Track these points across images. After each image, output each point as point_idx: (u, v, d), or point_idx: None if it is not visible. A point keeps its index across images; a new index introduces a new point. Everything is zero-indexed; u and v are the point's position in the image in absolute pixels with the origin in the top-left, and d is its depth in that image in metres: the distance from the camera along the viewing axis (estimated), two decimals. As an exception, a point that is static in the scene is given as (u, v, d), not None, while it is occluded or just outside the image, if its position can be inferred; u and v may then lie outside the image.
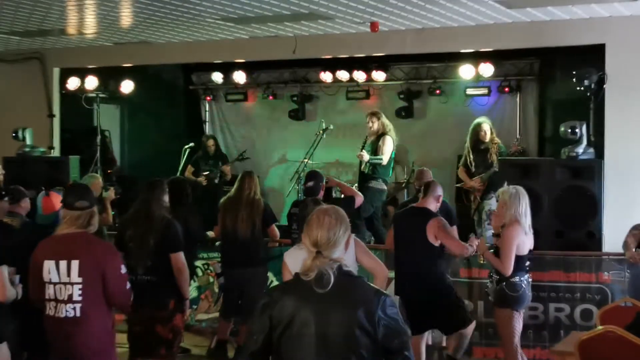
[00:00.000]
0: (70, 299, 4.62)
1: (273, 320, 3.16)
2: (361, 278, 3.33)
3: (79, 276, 4.61)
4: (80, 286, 4.61)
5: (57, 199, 5.89)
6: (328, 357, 3.11)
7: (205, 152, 11.44)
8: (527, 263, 6.32)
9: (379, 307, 3.15)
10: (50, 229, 5.68)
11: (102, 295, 4.69)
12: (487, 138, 9.70)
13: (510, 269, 6.21)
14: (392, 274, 6.74)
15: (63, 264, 4.63)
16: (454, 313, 6.77)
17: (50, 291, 4.66)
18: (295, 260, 4.99)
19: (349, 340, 3.12)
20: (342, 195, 8.05)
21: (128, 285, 4.85)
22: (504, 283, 6.28)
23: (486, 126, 9.69)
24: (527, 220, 6.27)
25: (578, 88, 8.91)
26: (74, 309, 4.62)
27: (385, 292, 3.30)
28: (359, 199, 7.72)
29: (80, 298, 4.61)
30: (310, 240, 3.22)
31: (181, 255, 6.07)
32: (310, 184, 7.38)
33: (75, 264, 4.62)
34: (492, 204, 9.05)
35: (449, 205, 7.98)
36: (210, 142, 11.51)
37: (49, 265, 4.65)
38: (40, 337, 5.12)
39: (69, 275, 4.62)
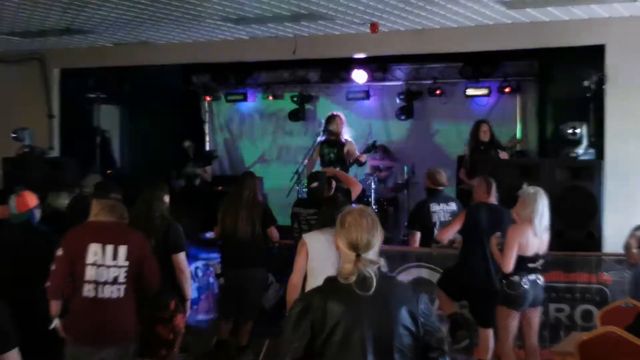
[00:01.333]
0: (115, 281, 4.99)
1: (315, 326, 3.13)
2: (395, 277, 3.34)
3: (126, 260, 5.01)
4: (126, 269, 5.01)
5: (30, 197, 5.94)
6: (374, 358, 3.11)
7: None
8: (533, 264, 6.32)
9: (419, 305, 3.20)
10: (28, 226, 5.77)
11: (137, 280, 5.11)
12: (487, 138, 9.70)
13: (508, 266, 6.26)
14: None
15: (109, 248, 5.00)
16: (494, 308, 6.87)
17: (92, 272, 4.97)
18: (316, 242, 5.07)
19: (393, 340, 3.14)
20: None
21: (158, 271, 5.32)
22: (504, 281, 6.35)
23: (486, 127, 9.69)
24: (542, 221, 6.28)
25: (578, 88, 8.92)
26: (119, 289, 5.01)
27: (419, 290, 3.32)
28: (358, 188, 7.69)
29: (125, 280, 5.01)
30: (348, 242, 3.21)
31: (183, 256, 6.08)
32: (314, 184, 7.35)
33: (123, 248, 5.02)
34: (492, 203, 9.03)
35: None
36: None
37: (95, 247, 4.99)
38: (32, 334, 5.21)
39: (115, 258, 5.00)
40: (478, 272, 6.87)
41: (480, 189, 7.14)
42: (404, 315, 3.15)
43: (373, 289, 3.12)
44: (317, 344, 3.13)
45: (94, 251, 4.99)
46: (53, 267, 5.06)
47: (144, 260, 5.16)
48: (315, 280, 5.00)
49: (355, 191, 7.67)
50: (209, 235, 8.26)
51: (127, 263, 5.03)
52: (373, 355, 3.11)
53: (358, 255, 3.17)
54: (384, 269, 3.22)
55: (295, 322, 3.15)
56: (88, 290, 4.98)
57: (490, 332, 6.91)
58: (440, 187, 8.14)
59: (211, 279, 8.80)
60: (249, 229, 7.39)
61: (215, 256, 8.42)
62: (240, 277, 7.49)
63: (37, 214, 6.06)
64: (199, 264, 8.74)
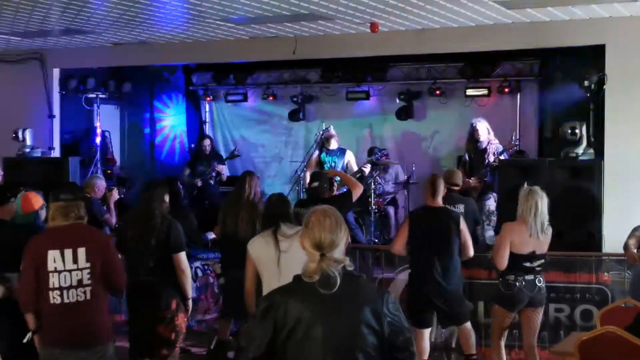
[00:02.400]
0: (80, 284, 4.89)
1: (277, 324, 3.13)
2: (363, 277, 3.34)
3: (87, 261, 4.90)
4: (88, 270, 4.91)
5: (35, 198, 5.90)
6: (336, 358, 3.11)
7: (201, 152, 11.42)
8: (530, 264, 6.32)
9: (384, 304, 3.18)
10: (34, 227, 5.75)
11: (102, 279, 4.98)
12: (484, 139, 9.69)
13: (499, 264, 6.33)
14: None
15: (68, 252, 4.89)
16: (461, 306, 6.89)
17: (54, 279, 4.87)
18: (257, 248, 5.30)
19: (356, 339, 3.12)
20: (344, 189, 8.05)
21: (123, 269, 5.24)
22: (500, 279, 6.42)
23: (482, 127, 9.68)
24: (537, 220, 6.26)
25: (578, 88, 8.92)
26: (85, 292, 4.91)
27: (386, 289, 3.31)
28: (359, 189, 7.64)
29: (89, 282, 4.91)
30: (312, 242, 3.20)
31: (183, 256, 6.08)
32: (314, 184, 7.34)
33: (81, 250, 4.90)
34: (490, 204, 9.03)
35: None
36: (206, 142, 11.47)
37: (53, 254, 4.89)
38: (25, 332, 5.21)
39: (75, 262, 4.89)
40: (428, 279, 6.67)
41: (425, 192, 6.98)
42: (367, 314, 3.14)
43: (336, 288, 3.12)
44: (279, 341, 3.14)
45: (52, 258, 4.88)
46: (21, 281, 5.00)
47: (107, 258, 5.02)
48: (264, 279, 5.23)
49: (357, 192, 7.63)
50: (210, 236, 8.25)
51: (88, 264, 4.90)
52: (334, 354, 3.11)
53: (322, 255, 3.17)
54: (350, 267, 3.20)
55: (259, 320, 3.18)
56: (54, 298, 4.88)
57: (467, 327, 6.90)
58: (455, 187, 8.09)
59: (211, 279, 8.80)
60: (250, 229, 7.35)
61: (216, 256, 8.42)
62: (240, 278, 7.44)
63: (43, 214, 6.03)
64: (199, 264, 8.73)
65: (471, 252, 6.90)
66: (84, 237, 4.98)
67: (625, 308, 6.09)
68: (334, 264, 3.16)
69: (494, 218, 9.09)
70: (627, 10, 8.24)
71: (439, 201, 6.90)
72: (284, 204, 5.58)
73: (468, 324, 6.93)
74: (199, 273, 8.78)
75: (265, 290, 5.06)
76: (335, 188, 7.87)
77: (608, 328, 5.05)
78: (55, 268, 4.87)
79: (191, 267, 7.81)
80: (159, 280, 5.98)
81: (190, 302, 6.25)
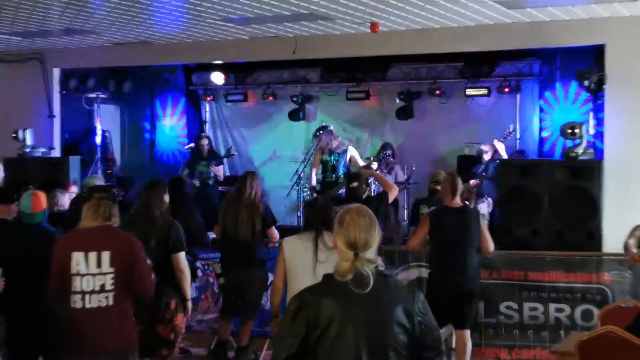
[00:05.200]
0: (102, 289, 4.77)
1: (310, 323, 3.13)
2: (393, 276, 3.33)
3: (111, 266, 4.78)
4: (112, 276, 4.78)
5: (43, 197, 5.87)
6: (368, 356, 3.11)
7: (199, 152, 11.43)
8: None
9: (415, 304, 3.20)
10: (40, 226, 5.71)
11: (128, 285, 4.86)
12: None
13: None
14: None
15: (92, 255, 4.78)
16: (471, 310, 6.93)
17: (76, 283, 4.78)
18: (292, 247, 5.16)
19: (387, 338, 3.14)
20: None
21: (153, 276, 5.03)
22: None
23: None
24: None
25: (578, 88, 8.92)
26: (107, 298, 4.79)
27: (416, 288, 3.31)
28: (394, 192, 7.54)
29: (112, 287, 4.78)
30: (346, 241, 3.19)
31: (183, 256, 6.08)
32: (354, 184, 7.24)
33: (106, 254, 4.78)
34: (482, 207, 9.00)
35: None
36: (204, 142, 11.46)
37: (77, 257, 4.78)
38: (27, 334, 5.18)
39: (99, 266, 4.77)
40: (452, 276, 6.68)
41: (444, 191, 6.96)
42: (399, 313, 3.15)
43: (369, 288, 3.13)
44: (311, 340, 3.13)
45: (76, 260, 4.77)
46: (49, 283, 4.90)
47: (133, 264, 4.87)
48: (293, 283, 5.08)
49: (393, 194, 7.48)
50: (210, 235, 8.25)
51: (112, 269, 4.77)
52: (367, 353, 3.11)
53: (356, 254, 3.17)
54: (382, 267, 3.21)
55: (291, 319, 3.16)
56: (75, 302, 4.78)
57: (466, 334, 6.87)
58: (438, 187, 8.12)
59: (211, 279, 8.80)
60: (250, 229, 7.37)
61: (215, 256, 8.42)
62: (240, 277, 7.48)
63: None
64: (199, 264, 8.73)
65: (491, 246, 6.88)
66: (110, 241, 4.84)
67: (625, 308, 6.10)
68: (367, 264, 3.16)
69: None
70: (627, 10, 8.24)
71: (458, 200, 6.90)
72: (328, 210, 5.42)
73: (468, 332, 6.88)
74: (199, 273, 8.78)
75: (290, 292, 5.03)
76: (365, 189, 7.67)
77: (608, 328, 5.06)
78: (79, 271, 4.76)
79: (194, 267, 7.83)
80: (158, 280, 5.98)
81: (189, 303, 6.26)
